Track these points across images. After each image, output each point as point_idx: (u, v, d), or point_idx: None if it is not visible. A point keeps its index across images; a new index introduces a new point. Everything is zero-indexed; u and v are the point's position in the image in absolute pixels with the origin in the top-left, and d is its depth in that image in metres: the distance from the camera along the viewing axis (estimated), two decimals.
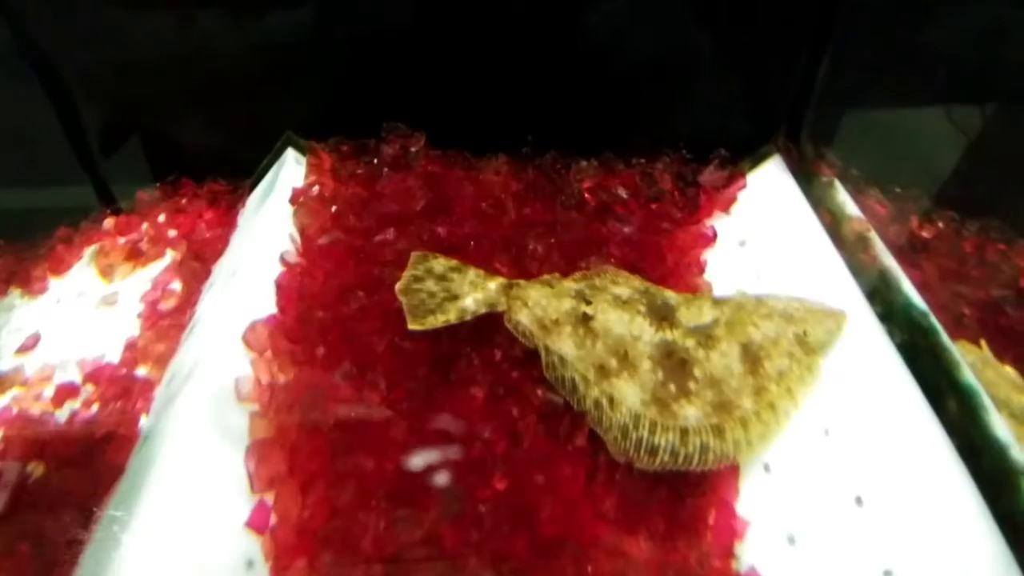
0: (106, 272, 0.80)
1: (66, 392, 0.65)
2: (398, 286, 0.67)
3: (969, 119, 0.67)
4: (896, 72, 0.70)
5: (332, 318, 0.65)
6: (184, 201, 0.88)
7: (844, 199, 0.72)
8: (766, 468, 0.54)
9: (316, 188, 0.82)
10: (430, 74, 0.88)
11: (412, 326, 0.63)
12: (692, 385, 0.57)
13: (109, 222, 0.86)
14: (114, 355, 0.69)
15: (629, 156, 0.86)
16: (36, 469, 0.57)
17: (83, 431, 0.60)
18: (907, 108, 0.70)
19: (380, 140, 0.88)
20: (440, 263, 0.69)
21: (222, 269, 0.76)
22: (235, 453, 0.53)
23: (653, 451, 0.55)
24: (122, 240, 0.84)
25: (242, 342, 0.62)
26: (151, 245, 0.83)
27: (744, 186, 0.79)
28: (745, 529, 0.50)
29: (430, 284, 0.67)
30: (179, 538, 0.48)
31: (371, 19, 0.85)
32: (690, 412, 0.56)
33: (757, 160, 0.81)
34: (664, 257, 0.75)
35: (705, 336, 0.60)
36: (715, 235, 0.76)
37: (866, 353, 0.60)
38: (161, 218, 0.86)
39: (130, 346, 0.69)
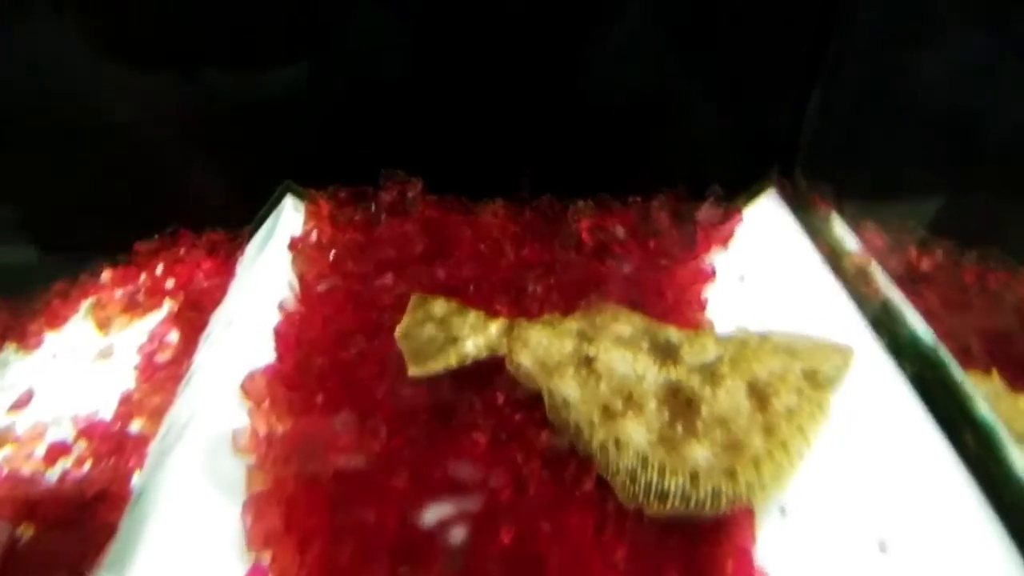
0: (103, 325, 0.78)
1: (58, 450, 0.62)
2: (398, 331, 0.65)
3: (963, 149, 0.66)
4: (888, 104, 0.69)
5: (331, 364, 0.63)
6: (182, 251, 0.86)
7: (842, 232, 0.71)
8: (782, 511, 0.52)
9: (314, 234, 0.81)
10: (426, 121, 0.87)
11: (413, 372, 0.61)
12: (700, 425, 0.55)
13: (106, 274, 0.84)
14: (108, 410, 0.66)
15: (625, 195, 0.84)
16: (26, 531, 0.54)
17: (74, 490, 0.57)
18: (900, 140, 0.69)
19: (378, 187, 0.87)
20: (439, 306, 0.67)
21: (220, 318, 0.74)
22: (231, 508, 0.50)
23: (663, 496, 0.52)
24: (119, 292, 0.82)
25: (240, 392, 0.59)
26: (148, 296, 0.81)
27: (741, 221, 0.78)
28: None
29: (430, 328, 0.65)
30: None
31: (365, 68, 0.84)
32: (699, 453, 0.53)
33: (752, 195, 0.79)
34: (664, 294, 0.73)
35: (710, 373, 0.58)
36: (714, 271, 0.74)
37: (878, 388, 0.58)
38: (159, 269, 0.84)
39: (125, 400, 0.67)
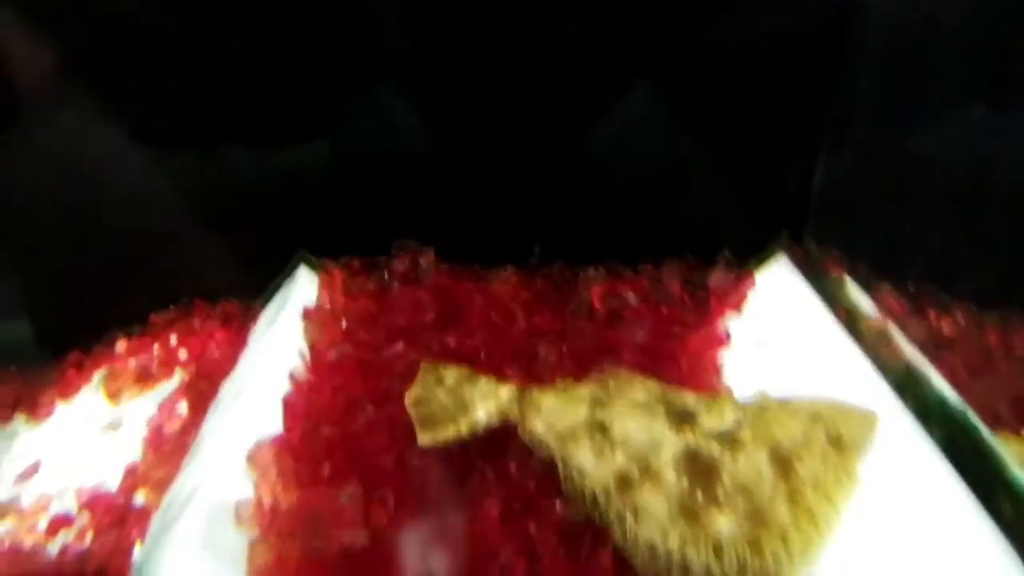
0: (113, 395, 0.77)
1: (60, 522, 0.60)
2: (408, 398, 0.63)
3: (975, 209, 0.65)
4: (895, 166, 0.68)
5: (339, 435, 0.61)
6: (196, 322, 0.86)
7: (857, 296, 0.69)
8: None
9: (327, 303, 0.80)
10: (437, 192, 0.88)
11: (423, 440, 0.59)
12: (720, 493, 0.52)
13: (121, 345, 0.84)
14: (114, 482, 0.64)
15: (635, 263, 0.84)
16: None
17: (75, 565, 0.55)
18: (909, 202, 0.68)
19: (391, 257, 0.87)
20: (451, 373, 0.66)
21: (229, 388, 0.73)
22: None
23: (685, 570, 0.49)
24: (132, 363, 0.81)
25: (247, 463, 0.58)
26: (161, 367, 0.80)
27: (753, 286, 0.76)
28: None
29: (441, 395, 0.64)
30: None
31: (378, 143, 0.86)
32: (722, 524, 0.50)
33: (763, 260, 0.79)
34: (678, 361, 0.71)
35: (729, 440, 0.55)
36: (729, 336, 0.72)
37: (907, 453, 0.55)
38: (172, 340, 0.84)
39: (130, 472, 0.65)
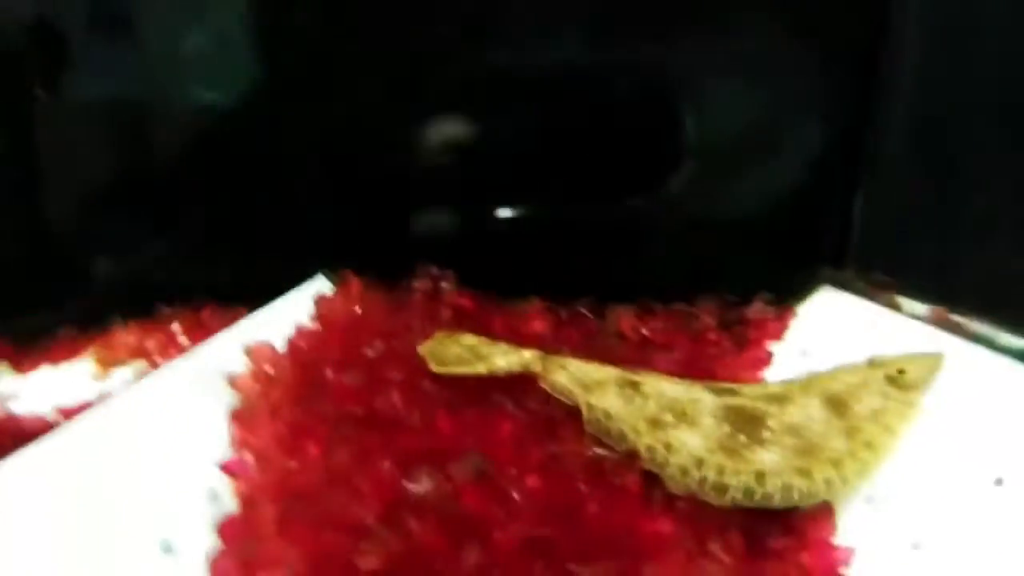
0: (105, 363, 0.75)
1: None
2: (422, 347, 0.61)
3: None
4: (937, 194, 0.70)
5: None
6: (204, 316, 0.85)
7: (913, 307, 0.67)
8: (868, 500, 0.43)
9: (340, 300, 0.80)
10: (464, 223, 0.90)
11: (437, 369, 0.56)
12: (767, 435, 0.48)
13: (120, 326, 0.83)
14: None
15: (668, 301, 0.83)
16: None
17: None
18: (954, 229, 0.69)
19: (412, 277, 0.87)
20: (468, 337, 0.64)
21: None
22: None
23: (722, 489, 0.44)
24: (130, 339, 0.80)
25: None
26: (159, 346, 0.78)
27: (795, 316, 0.75)
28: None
29: (456, 349, 0.61)
30: None
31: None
32: (766, 457, 0.46)
33: (805, 295, 0.78)
34: (716, 377, 0.68)
35: (777, 397, 0.52)
36: (771, 356, 0.70)
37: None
38: (175, 326, 0.82)
39: None
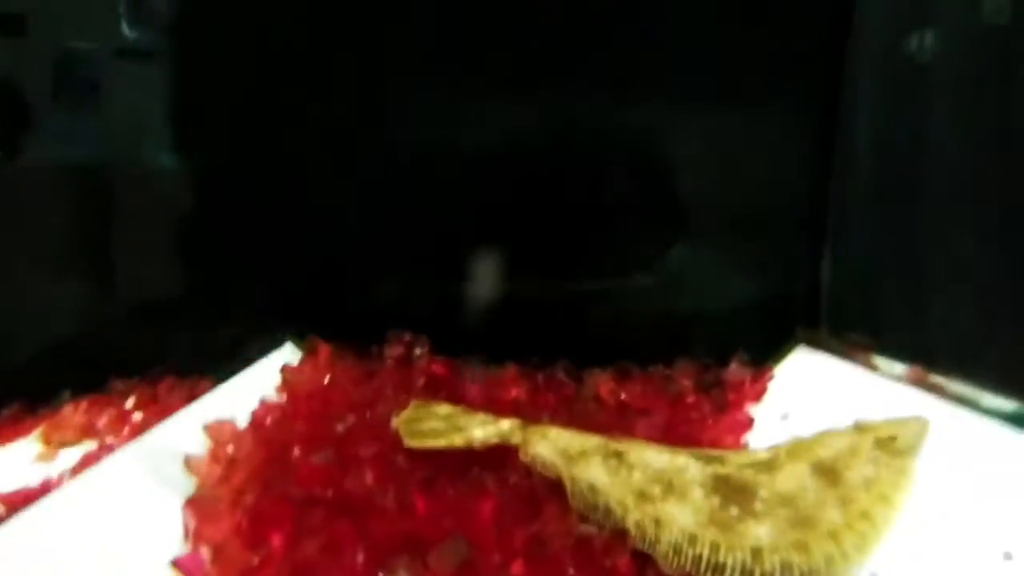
0: (51, 442, 0.70)
1: None
2: (396, 420, 0.58)
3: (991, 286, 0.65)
4: (905, 251, 0.70)
5: None
6: (161, 391, 0.81)
7: (890, 368, 0.67)
8: None
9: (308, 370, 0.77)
10: (434, 290, 0.89)
11: (410, 443, 0.53)
12: (759, 506, 0.46)
13: (69, 403, 0.78)
14: None
15: (644, 364, 0.82)
16: None
17: None
18: (925, 286, 0.69)
19: (383, 344, 0.85)
20: (444, 407, 0.61)
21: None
22: None
23: (719, 569, 0.42)
24: (79, 418, 0.75)
25: None
26: (110, 422, 0.74)
27: (773, 378, 0.74)
28: None
29: (433, 421, 0.59)
30: None
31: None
32: (761, 532, 0.44)
33: (781, 356, 0.77)
34: (699, 442, 0.66)
35: (765, 465, 0.50)
36: (752, 421, 0.69)
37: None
38: (129, 403, 0.78)
39: None
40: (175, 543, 0.45)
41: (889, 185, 0.72)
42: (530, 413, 0.69)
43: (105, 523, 0.46)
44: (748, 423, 0.69)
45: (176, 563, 0.43)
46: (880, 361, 0.69)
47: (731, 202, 0.82)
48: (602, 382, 0.81)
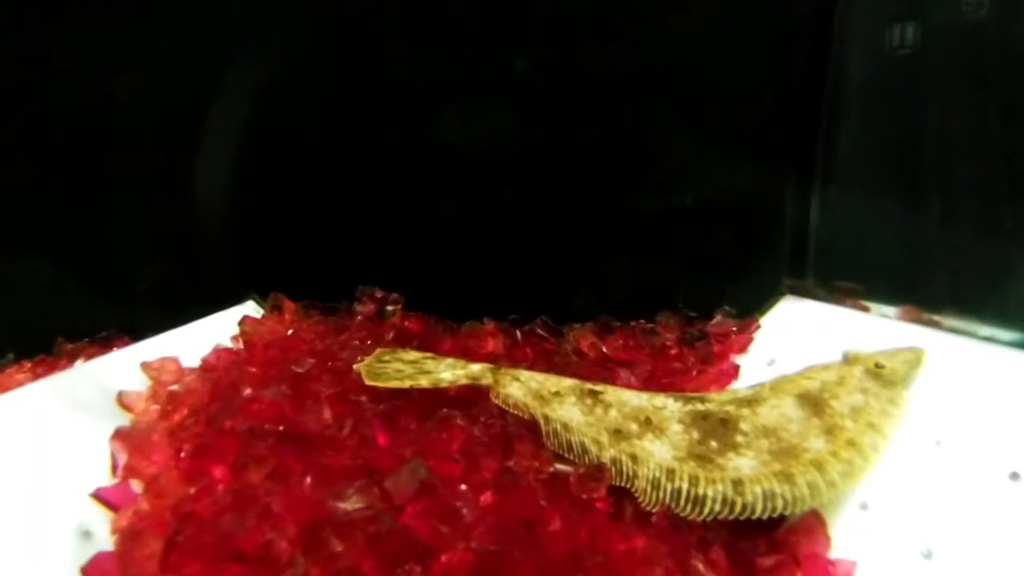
0: None
1: None
2: (359, 364, 0.56)
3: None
4: (894, 200, 0.69)
5: None
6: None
7: (880, 310, 0.66)
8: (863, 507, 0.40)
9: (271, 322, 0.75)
10: (411, 242, 0.86)
11: (371, 381, 0.52)
12: (740, 439, 0.45)
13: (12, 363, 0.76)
14: None
15: (626, 319, 0.80)
16: None
17: None
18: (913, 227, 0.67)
19: (353, 301, 0.82)
20: (412, 354, 0.60)
21: None
22: None
23: (699, 502, 0.41)
24: (23, 375, 0.73)
25: None
26: None
27: (759, 328, 0.73)
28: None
29: (398, 365, 0.57)
30: None
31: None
32: (742, 463, 0.43)
33: (767, 307, 0.76)
34: (683, 391, 0.65)
35: (747, 400, 0.49)
36: (738, 369, 0.67)
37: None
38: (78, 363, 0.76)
39: None
40: (100, 477, 0.43)
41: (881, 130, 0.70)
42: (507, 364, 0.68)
43: (18, 457, 0.43)
44: (734, 371, 0.68)
45: (97, 495, 0.40)
46: (871, 304, 0.67)
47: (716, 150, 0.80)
48: (582, 336, 0.79)
